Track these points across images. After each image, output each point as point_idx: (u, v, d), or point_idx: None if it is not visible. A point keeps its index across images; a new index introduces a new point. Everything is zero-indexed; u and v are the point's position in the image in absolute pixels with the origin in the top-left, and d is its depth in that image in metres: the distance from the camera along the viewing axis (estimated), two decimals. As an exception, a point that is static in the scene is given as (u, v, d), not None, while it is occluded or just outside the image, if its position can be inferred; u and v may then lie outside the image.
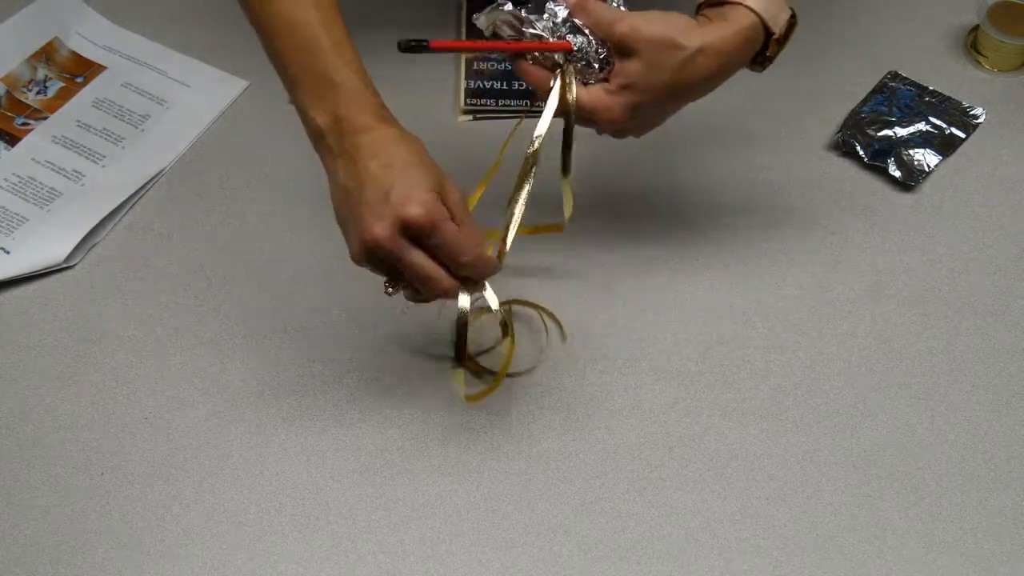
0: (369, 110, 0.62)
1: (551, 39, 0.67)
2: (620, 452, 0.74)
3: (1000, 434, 0.74)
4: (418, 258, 0.60)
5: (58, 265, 0.84)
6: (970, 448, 0.74)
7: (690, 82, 0.67)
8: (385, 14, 1.00)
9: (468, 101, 0.92)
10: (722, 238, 0.84)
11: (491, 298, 0.67)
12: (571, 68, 0.67)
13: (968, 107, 0.90)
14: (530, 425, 0.76)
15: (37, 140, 0.93)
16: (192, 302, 0.83)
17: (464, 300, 0.65)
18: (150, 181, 0.90)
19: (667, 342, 0.79)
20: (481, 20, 0.68)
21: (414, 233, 0.59)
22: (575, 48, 0.67)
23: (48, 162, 0.91)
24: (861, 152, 0.87)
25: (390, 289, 0.64)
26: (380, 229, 0.59)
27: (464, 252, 0.60)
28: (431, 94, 0.94)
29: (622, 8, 0.68)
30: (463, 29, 0.97)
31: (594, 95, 0.67)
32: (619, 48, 0.66)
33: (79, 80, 0.97)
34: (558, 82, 0.67)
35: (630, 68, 0.66)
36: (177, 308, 0.82)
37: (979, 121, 0.90)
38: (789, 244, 0.84)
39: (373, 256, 0.61)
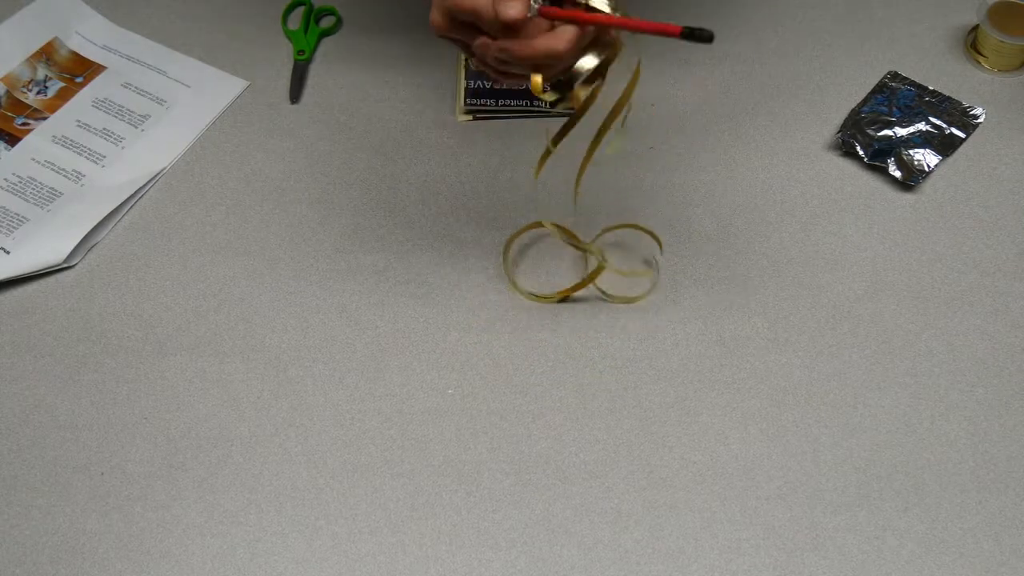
0: None
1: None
2: (620, 452, 0.74)
3: (1000, 434, 0.74)
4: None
5: (58, 265, 0.84)
6: (970, 448, 0.74)
7: None
8: (387, 15, 1.00)
9: (468, 101, 0.92)
10: (722, 238, 0.84)
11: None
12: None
13: (968, 107, 0.90)
14: (530, 425, 0.76)
15: (37, 140, 0.93)
16: (192, 302, 0.83)
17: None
18: (150, 181, 0.90)
19: (667, 342, 0.79)
20: None
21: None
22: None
23: (48, 162, 0.91)
24: (861, 152, 0.87)
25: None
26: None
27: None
28: (431, 94, 0.94)
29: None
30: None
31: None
32: None
33: (79, 80, 0.97)
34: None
35: None
36: (177, 308, 0.82)
37: (979, 121, 0.90)
38: (789, 244, 0.84)
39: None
